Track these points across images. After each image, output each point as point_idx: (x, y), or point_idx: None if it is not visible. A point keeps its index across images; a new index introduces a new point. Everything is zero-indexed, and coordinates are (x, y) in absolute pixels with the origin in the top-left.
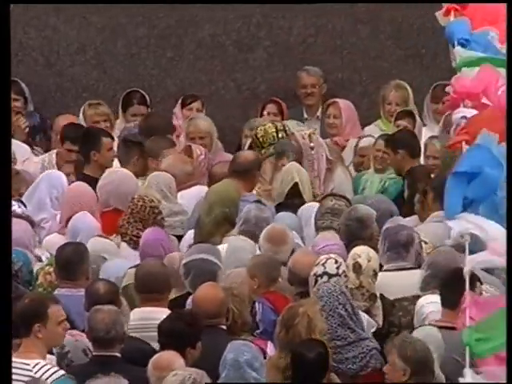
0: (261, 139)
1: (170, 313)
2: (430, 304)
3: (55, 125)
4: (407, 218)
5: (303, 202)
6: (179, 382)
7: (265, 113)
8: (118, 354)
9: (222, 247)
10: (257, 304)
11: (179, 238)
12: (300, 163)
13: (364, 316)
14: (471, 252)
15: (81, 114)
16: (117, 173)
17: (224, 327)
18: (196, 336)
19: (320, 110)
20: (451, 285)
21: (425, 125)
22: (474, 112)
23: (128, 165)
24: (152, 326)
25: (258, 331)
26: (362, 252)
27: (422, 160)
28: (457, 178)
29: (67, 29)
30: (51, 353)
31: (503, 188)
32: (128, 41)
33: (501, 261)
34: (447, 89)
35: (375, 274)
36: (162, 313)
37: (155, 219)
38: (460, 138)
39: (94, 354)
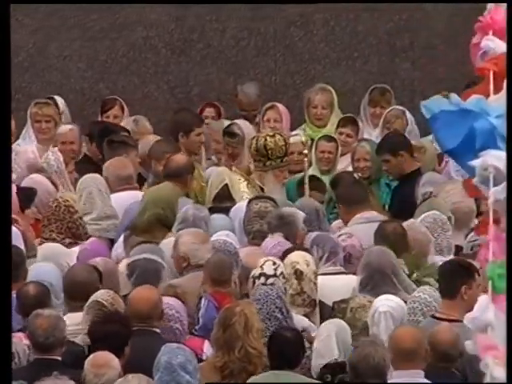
0: (270, 151)
1: (101, 316)
2: (385, 302)
3: None
4: (335, 222)
5: (234, 205)
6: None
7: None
8: (59, 358)
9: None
10: (203, 299)
11: (112, 241)
12: None
13: (304, 319)
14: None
15: (28, 112)
16: (32, 179)
17: (157, 330)
18: (124, 339)
19: (259, 116)
20: (449, 275)
21: None
22: (504, 46)
23: None
24: None
25: (196, 327)
26: (298, 258)
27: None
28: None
29: None
30: None
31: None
32: (61, 43)
33: None
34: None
35: (316, 277)
36: None
37: (71, 218)
38: (489, 66)
39: (34, 357)
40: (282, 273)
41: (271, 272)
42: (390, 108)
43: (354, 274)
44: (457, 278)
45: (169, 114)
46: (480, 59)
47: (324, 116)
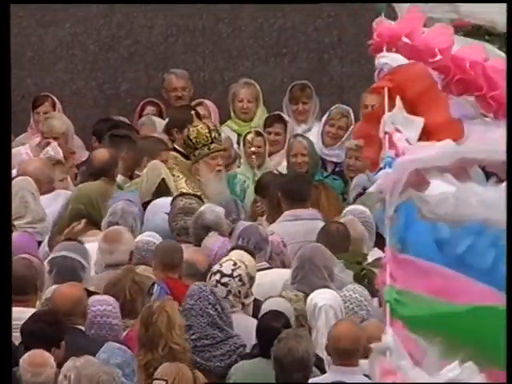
0: (194, 140)
1: (32, 313)
2: (322, 296)
3: None
4: (263, 218)
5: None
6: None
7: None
8: None
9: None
10: (155, 285)
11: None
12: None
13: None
14: None
15: None
16: None
17: (82, 328)
18: (58, 335)
19: None
20: None
21: None
22: (398, 57)
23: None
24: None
25: None
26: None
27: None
28: None
29: None
30: None
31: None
32: None
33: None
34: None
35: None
36: (30, 313)
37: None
38: (383, 84)
39: None
40: (239, 275)
41: (228, 272)
42: (335, 106)
43: (278, 267)
44: None
45: (97, 111)
46: (376, 78)
47: (250, 110)
